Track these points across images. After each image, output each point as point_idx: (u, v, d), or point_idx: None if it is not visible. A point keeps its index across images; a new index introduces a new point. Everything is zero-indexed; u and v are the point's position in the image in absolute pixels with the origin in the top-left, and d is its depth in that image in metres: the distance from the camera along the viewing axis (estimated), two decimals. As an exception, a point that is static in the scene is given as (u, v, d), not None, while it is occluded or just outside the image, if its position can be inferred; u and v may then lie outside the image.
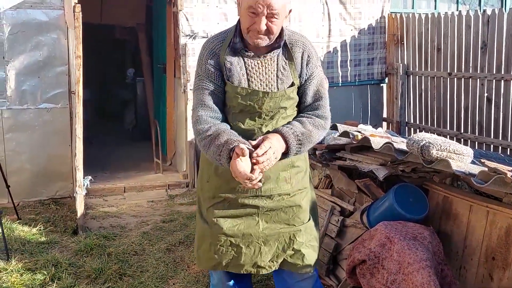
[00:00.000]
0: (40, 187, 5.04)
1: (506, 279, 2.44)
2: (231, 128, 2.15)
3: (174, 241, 3.98)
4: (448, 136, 5.27)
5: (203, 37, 5.25)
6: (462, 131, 5.38)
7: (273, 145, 2.04)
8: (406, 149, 2.81)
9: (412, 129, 6.10)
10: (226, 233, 2.21)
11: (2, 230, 3.69)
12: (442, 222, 2.82)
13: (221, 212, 2.23)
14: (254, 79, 2.16)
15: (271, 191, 2.22)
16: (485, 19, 5.00)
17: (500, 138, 4.95)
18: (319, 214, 3.03)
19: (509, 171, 2.30)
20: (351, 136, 3.22)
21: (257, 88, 2.15)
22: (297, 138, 2.13)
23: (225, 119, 2.20)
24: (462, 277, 2.66)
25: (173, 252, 3.83)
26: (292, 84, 2.20)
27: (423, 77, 5.87)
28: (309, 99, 2.24)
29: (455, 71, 5.41)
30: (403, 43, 6.09)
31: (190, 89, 5.15)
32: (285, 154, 2.12)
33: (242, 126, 2.18)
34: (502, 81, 4.90)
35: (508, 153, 4.77)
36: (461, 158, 2.64)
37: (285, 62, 2.19)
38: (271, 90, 2.16)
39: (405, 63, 6.08)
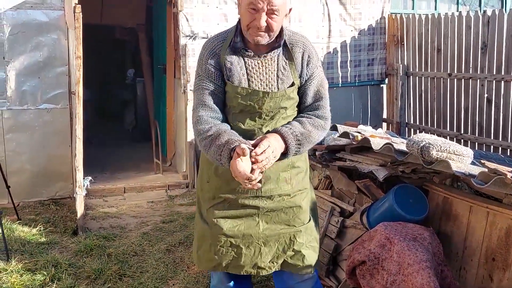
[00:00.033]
0: (40, 188, 5.04)
1: (506, 280, 2.43)
2: (231, 129, 2.15)
3: (174, 242, 3.98)
4: (448, 137, 5.27)
5: (203, 38, 5.25)
6: (462, 132, 5.38)
7: (272, 145, 2.04)
8: (406, 150, 2.81)
9: (412, 129, 6.10)
10: (226, 233, 2.21)
11: (2, 231, 3.69)
12: (442, 223, 2.82)
13: (221, 213, 2.23)
14: (254, 79, 2.16)
15: (272, 192, 2.22)
16: (485, 20, 5.00)
17: (500, 139, 4.95)
18: (319, 215, 3.04)
19: (509, 172, 2.30)
20: (351, 137, 3.22)
21: (257, 88, 2.15)
22: (296, 138, 2.12)
23: (225, 120, 2.20)
24: (462, 278, 2.66)
25: (173, 252, 3.83)
26: (293, 84, 2.20)
27: (423, 77, 5.87)
28: (309, 99, 2.24)
29: (455, 72, 5.41)
30: (403, 44, 6.09)
31: (190, 90, 5.15)
32: (284, 154, 2.12)
33: (242, 127, 2.18)
34: (502, 82, 4.89)
35: (508, 154, 4.77)
36: (461, 159, 2.64)
37: (286, 62, 2.19)
38: (271, 90, 2.16)
39: (405, 63, 6.08)
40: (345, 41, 6.05)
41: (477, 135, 5.19)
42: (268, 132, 2.17)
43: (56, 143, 5.06)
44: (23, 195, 4.94)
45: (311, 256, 2.29)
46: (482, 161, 2.64)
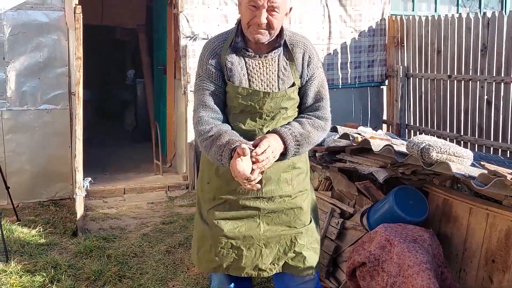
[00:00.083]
0: (40, 189, 5.04)
1: (506, 281, 2.43)
2: (232, 129, 2.15)
3: (173, 243, 3.98)
4: (448, 139, 5.27)
5: (204, 39, 5.25)
6: (462, 134, 5.38)
7: (272, 145, 2.04)
8: (406, 151, 2.81)
9: (412, 131, 6.10)
10: (227, 235, 2.20)
11: (2, 232, 3.68)
12: (442, 224, 2.82)
13: (222, 214, 2.23)
14: (255, 79, 2.16)
15: (272, 193, 2.22)
16: (485, 22, 5.00)
17: (500, 141, 4.95)
18: (319, 216, 3.03)
19: (509, 173, 2.31)
20: (351, 138, 3.22)
21: (258, 88, 2.15)
22: (295, 139, 2.12)
23: (226, 120, 2.20)
24: (462, 279, 2.65)
25: (172, 254, 3.82)
26: (293, 85, 2.20)
27: (423, 79, 5.87)
28: (309, 100, 2.24)
29: (455, 74, 5.41)
30: (403, 45, 6.09)
31: (191, 91, 5.15)
32: (283, 155, 2.12)
33: (243, 127, 2.18)
34: (502, 83, 4.90)
35: (508, 156, 4.77)
36: (461, 161, 2.64)
37: (286, 63, 2.19)
38: (272, 90, 2.16)
39: (405, 65, 6.08)
40: (345, 42, 6.06)
41: (477, 137, 5.19)
42: (268, 132, 2.17)
43: (56, 143, 5.06)
44: (23, 196, 4.94)
45: (312, 257, 2.29)
46: (482, 162, 2.64)
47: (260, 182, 2.02)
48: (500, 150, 4.92)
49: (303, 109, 2.27)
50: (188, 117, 5.29)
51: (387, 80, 6.38)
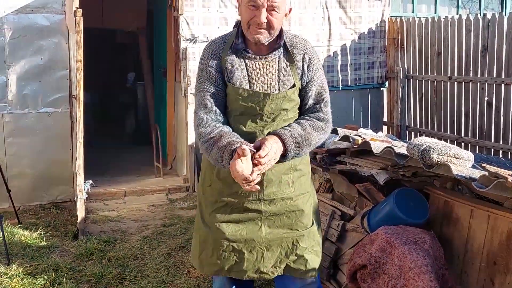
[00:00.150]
0: (41, 191, 5.05)
1: (507, 284, 2.43)
2: (232, 131, 2.15)
3: (174, 246, 3.98)
4: (448, 140, 5.27)
5: (204, 41, 5.26)
6: (462, 135, 5.38)
7: (273, 147, 2.04)
8: (407, 153, 2.81)
9: (412, 133, 6.10)
10: (228, 238, 2.20)
11: (3, 235, 3.69)
12: (443, 226, 2.82)
13: (223, 217, 2.23)
14: (255, 80, 2.16)
15: (274, 195, 2.21)
16: (485, 23, 5.01)
17: (501, 142, 4.95)
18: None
19: (510, 175, 2.30)
20: (351, 140, 3.23)
21: (258, 90, 2.15)
22: (296, 141, 2.12)
23: (227, 122, 2.20)
24: (463, 282, 2.65)
25: (173, 256, 3.82)
26: (293, 86, 2.20)
27: (423, 81, 5.87)
28: (310, 101, 2.24)
29: (455, 75, 5.41)
30: (403, 47, 6.10)
31: (191, 93, 5.15)
32: (283, 157, 2.12)
33: (244, 129, 2.18)
34: (503, 85, 4.90)
35: (509, 157, 4.77)
36: (462, 163, 2.64)
37: (286, 64, 2.19)
38: (272, 92, 2.16)
39: (405, 67, 6.08)
40: (345, 44, 6.06)
41: (477, 138, 5.19)
42: (268, 134, 2.17)
43: (57, 146, 5.06)
44: (24, 199, 4.94)
45: (314, 260, 2.29)
46: (483, 164, 2.64)
47: (259, 183, 2.02)
48: (501, 151, 4.92)
49: (303, 111, 2.27)
50: (189, 119, 5.29)
51: (387, 82, 6.39)
